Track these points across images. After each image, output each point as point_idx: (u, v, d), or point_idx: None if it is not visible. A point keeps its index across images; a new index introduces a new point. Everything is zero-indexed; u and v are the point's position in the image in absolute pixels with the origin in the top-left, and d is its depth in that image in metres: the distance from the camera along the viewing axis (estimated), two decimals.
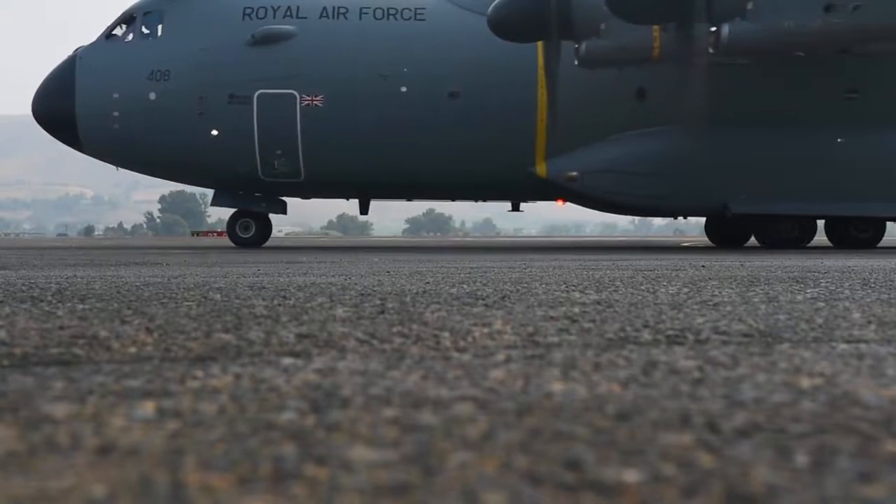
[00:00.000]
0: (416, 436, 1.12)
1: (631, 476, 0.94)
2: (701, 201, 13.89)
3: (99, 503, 0.85)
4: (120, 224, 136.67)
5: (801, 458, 1.01)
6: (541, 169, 13.88)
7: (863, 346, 2.00)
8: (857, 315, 2.65)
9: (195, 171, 14.62)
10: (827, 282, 4.28)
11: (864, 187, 13.46)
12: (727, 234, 16.43)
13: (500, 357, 1.81)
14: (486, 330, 2.26)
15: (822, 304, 3.00)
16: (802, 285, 4.02)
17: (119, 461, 1.00)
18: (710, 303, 3.07)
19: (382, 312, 2.69)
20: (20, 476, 0.94)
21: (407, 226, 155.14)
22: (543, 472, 0.95)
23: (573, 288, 3.83)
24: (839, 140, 13.53)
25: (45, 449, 1.06)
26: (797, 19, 11.53)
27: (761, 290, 3.72)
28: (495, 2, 12.54)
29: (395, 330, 2.26)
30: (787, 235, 14.16)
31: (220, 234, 72.42)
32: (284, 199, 15.18)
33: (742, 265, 6.38)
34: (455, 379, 1.55)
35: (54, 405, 1.32)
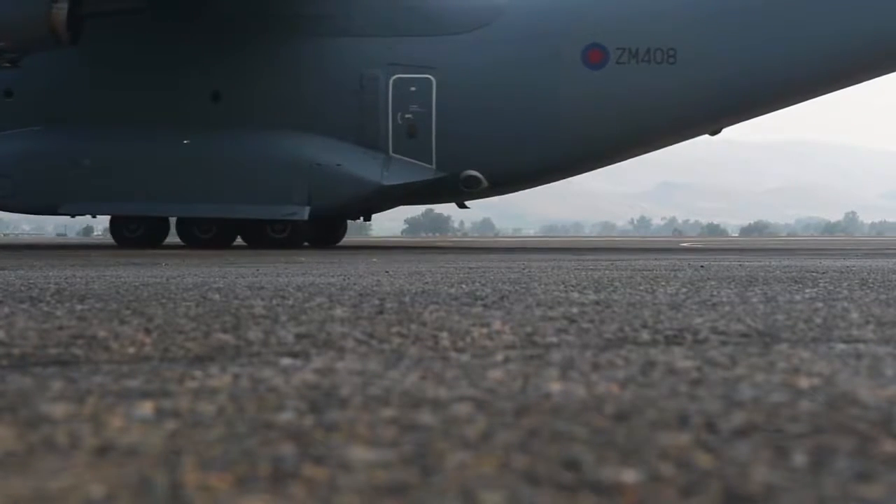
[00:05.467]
0: (415, 436, 1.12)
1: (629, 476, 0.94)
2: (37, 201, 14.03)
3: (97, 503, 0.85)
4: None
5: (800, 458, 1.01)
6: None
7: (861, 346, 2.00)
8: (855, 315, 2.65)
9: None
10: (825, 282, 4.28)
11: (215, 188, 13.55)
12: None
13: (499, 357, 1.81)
14: (484, 330, 2.26)
15: (820, 305, 3.00)
16: (801, 285, 4.02)
17: (118, 461, 1.00)
18: (709, 303, 3.07)
19: (381, 312, 2.69)
20: (19, 476, 0.94)
21: (406, 226, 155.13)
22: (542, 472, 0.95)
23: (572, 288, 3.83)
24: (185, 142, 13.62)
25: (44, 449, 1.06)
26: None
27: (760, 290, 3.72)
28: None
29: (393, 330, 2.26)
30: (138, 234, 14.38)
31: None
32: None
33: (741, 265, 6.39)
34: (454, 379, 1.55)
35: (53, 405, 1.32)
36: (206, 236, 14.22)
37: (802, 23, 13.20)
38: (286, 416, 1.24)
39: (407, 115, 13.59)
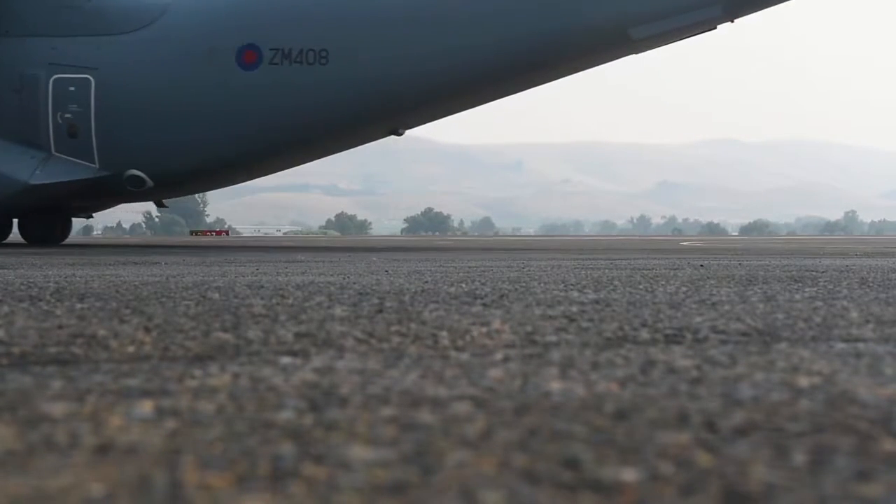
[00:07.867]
0: (415, 435, 1.12)
1: (629, 475, 0.94)
2: None
3: (97, 502, 0.85)
4: (119, 223, 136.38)
5: (799, 457, 1.01)
6: None
7: (861, 345, 2.00)
8: (854, 314, 2.65)
9: None
10: (825, 281, 4.28)
11: None
12: None
13: (499, 356, 1.81)
14: (484, 329, 2.26)
15: (820, 304, 3.00)
16: (801, 284, 4.02)
17: (117, 460, 1.00)
18: (709, 302, 3.07)
19: (381, 311, 2.69)
20: (18, 475, 0.94)
21: (405, 225, 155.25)
22: (542, 471, 0.95)
23: (571, 287, 3.83)
24: None
25: (44, 448, 1.06)
26: None
27: (759, 289, 3.72)
28: None
29: (393, 329, 2.26)
30: None
31: (218, 233, 72.55)
32: None
33: (740, 265, 6.39)
34: (453, 378, 1.55)
35: (53, 404, 1.32)
36: None
37: (457, 24, 13.14)
38: (286, 415, 1.24)
39: (66, 115, 13.67)
